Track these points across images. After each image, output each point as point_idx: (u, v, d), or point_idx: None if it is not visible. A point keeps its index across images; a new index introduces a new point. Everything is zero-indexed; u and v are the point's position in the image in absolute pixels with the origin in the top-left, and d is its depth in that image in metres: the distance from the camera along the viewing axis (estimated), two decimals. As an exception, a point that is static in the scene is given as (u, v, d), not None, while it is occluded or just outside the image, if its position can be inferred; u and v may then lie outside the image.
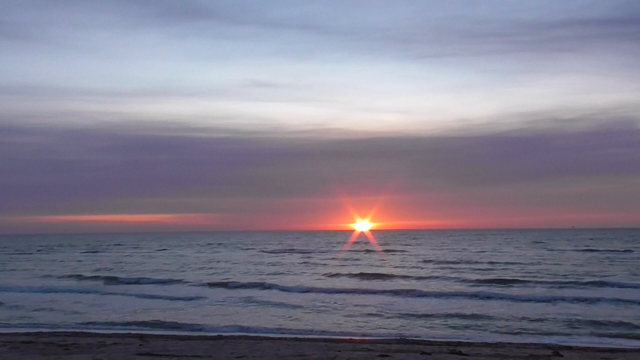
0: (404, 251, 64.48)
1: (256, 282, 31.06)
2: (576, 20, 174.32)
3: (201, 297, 25.73)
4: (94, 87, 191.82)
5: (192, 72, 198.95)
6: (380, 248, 72.09)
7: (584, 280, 29.38)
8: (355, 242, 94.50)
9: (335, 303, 23.30)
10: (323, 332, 17.31)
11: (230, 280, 32.63)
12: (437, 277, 32.57)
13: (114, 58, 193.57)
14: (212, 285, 30.97)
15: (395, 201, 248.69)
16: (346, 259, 51.61)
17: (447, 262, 44.92)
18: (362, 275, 34.38)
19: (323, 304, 23.04)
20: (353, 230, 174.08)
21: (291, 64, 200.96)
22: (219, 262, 50.93)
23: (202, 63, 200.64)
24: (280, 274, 37.32)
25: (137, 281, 33.67)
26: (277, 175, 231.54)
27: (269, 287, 29.23)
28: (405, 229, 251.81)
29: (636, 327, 17.27)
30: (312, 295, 26.16)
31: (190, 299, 25.38)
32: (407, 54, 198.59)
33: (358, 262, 46.95)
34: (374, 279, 32.86)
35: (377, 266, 41.93)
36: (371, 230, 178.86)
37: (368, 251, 65.34)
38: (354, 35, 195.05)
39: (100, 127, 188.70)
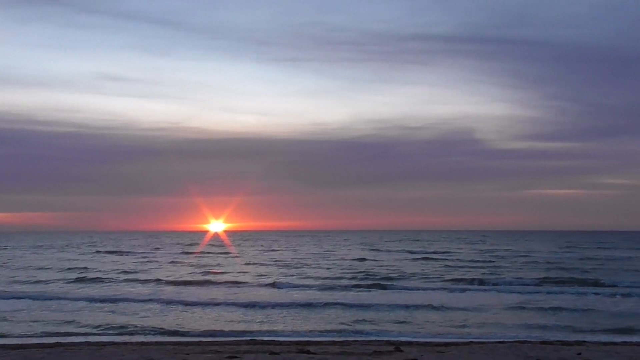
0: (227, 254, 64.89)
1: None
2: (423, 35, 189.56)
3: None
4: None
5: (35, 60, 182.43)
6: (219, 250, 71.88)
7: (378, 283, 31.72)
8: (197, 244, 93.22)
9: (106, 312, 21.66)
10: (172, 334, 17.14)
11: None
12: (247, 282, 32.44)
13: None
14: None
15: (251, 202, 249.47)
16: (171, 262, 49.65)
17: (279, 264, 46.10)
18: (165, 282, 32.62)
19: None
20: (206, 231, 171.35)
21: (146, 59, 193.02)
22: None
23: (46, 51, 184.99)
24: (76, 281, 33.93)
25: None
26: (129, 173, 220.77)
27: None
28: (259, 230, 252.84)
29: (456, 325, 19.32)
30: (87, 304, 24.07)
31: None
32: (265, 57, 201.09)
33: (180, 265, 45.78)
34: (181, 284, 31.58)
35: (199, 270, 40.66)
36: (225, 231, 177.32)
37: (204, 253, 64.86)
38: (213, 33, 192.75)
39: None
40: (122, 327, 18.57)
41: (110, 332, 17.88)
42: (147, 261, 51.44)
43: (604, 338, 16.44)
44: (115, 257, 57.95)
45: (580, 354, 12.94)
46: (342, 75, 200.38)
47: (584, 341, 15.36)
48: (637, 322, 19.34)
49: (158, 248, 79.80)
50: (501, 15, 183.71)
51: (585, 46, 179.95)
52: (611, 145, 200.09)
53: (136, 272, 39.15)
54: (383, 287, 29.74)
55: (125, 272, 39.52)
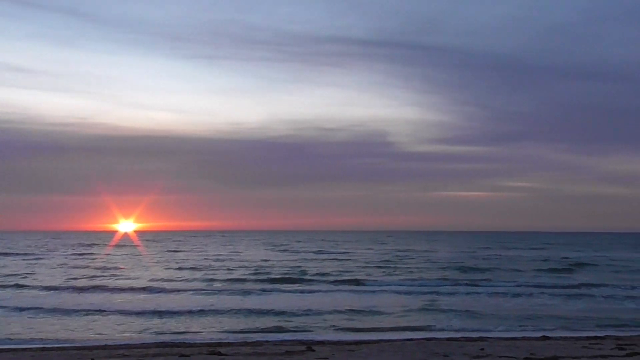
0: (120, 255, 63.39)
1: None
2: (340, 38, 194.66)
3: None
4: None
5: None
6: (120, 251, 69.92)
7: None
8: (99, 245, 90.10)
9: None
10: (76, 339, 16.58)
11: None
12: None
13: None
14: None
15: (165, 201, 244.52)
16: (60, 265, 46.99)
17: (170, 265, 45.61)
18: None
19: None
20: (115, 231, 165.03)
21: (52, 50, 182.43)
22: None
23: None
24: None
25: None
26: (32, 170, 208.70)
27: None
28: (171, 230, 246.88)
29: (364, 323, 19.96)
30: None
31: None
32: (180, 53, 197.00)
33: (69, 268, 43.74)
34: (65, 289, 29.75)
35: (90, 274, 38.60)
36: (135, 231, 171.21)
37: (106, 255, 62.82)
38: (124, 27, 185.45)
39: None
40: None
41: None
42: (30, 264, 48.05)
43: (504, 334, 17.52)
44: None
45: (482, 349, 13.73)
46: (259, 74, 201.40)
47: (486, 337, 16.30)
48: (532, 319, 20.72)
49: (52, 249, 76.39)
50: (415, 22, 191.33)
51: (492, 55, 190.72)
52: (514, 149, 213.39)
53: (11, 276, 36.24)
54: (283, 290, 29.71)
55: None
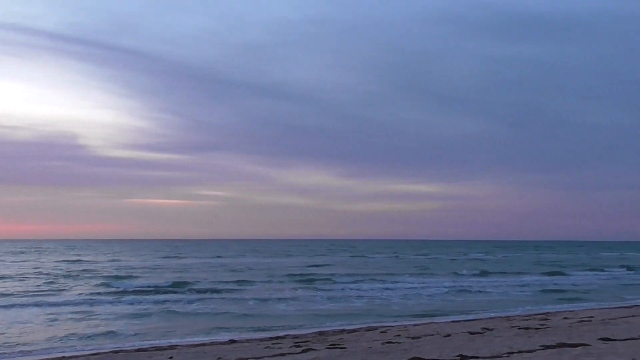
0: None
1: None
2: (23, 27, 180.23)
3: None
4: None
5: None
6: None
7: None
8: None
9: None
10: None
11: None
12: None
13: None
14: None
15: None
16: None
17: None
18: None
19: None
20: None
21: None
22: None
23: None
24: None
25: None
26: None
27: None
28: None
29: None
30: None
31: None
32: None
33: None
34: None
35: None
36: None
37: None
38: None
39: None
40: None
41: None
42: None
43: (194, 340, 18.39)
44: None
45: (171, 357, 14.35)
46: None
47: (176, 345, 16.97)
48: (218, 324, 22.02)
49: None
50: (110, 22, 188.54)
51: (189, 65, 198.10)
52: (209, 159, 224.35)
53: None
54: None
55: None
